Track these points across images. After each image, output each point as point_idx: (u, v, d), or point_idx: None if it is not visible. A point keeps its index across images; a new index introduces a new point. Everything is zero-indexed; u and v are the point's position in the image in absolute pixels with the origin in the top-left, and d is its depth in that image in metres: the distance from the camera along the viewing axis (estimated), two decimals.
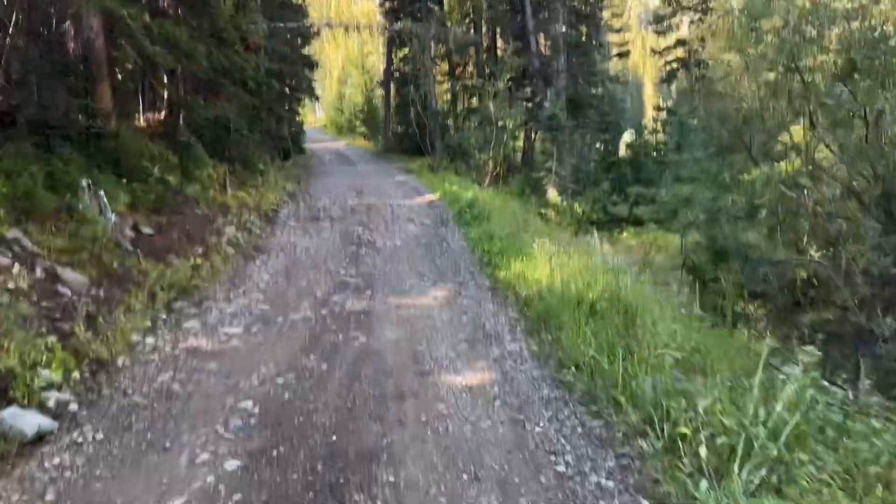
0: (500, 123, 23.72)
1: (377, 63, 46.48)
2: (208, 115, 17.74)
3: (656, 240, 21.81)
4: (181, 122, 18.22)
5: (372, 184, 23.22)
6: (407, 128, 34.79)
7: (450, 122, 33.80)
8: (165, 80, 19.97)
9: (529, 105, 24.10)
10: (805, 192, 8.04)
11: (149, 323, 7.47)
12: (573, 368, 5.61)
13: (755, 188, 9.02)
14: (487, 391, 5.47)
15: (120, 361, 6.33)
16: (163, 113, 19.16)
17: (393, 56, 35.04)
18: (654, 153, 23.75)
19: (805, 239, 9.38)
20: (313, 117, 66.07)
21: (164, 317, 7.85)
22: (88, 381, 5.81)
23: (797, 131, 8.43)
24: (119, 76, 15.79)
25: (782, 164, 9.76)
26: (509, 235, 11.96)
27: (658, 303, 6.52)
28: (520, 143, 28.76)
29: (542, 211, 20.87)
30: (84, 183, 10.61)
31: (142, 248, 10.65)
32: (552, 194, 22.07)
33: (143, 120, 18.78)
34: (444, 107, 33.72)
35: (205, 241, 11.94)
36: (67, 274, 8.36)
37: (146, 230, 11.49)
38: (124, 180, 12.24)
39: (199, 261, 10.59)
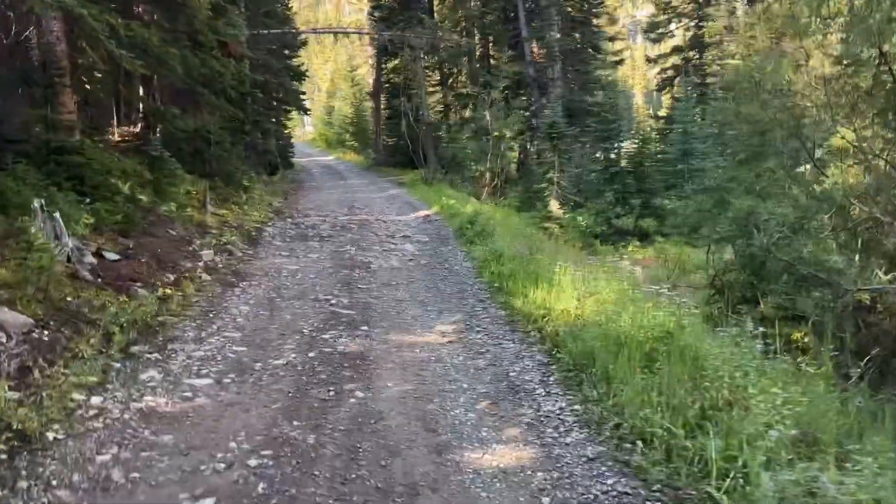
0: (497, 133, 22.45)
1: (367, 75, 45.24)
2: (187, 127, 16.38)
3: (666, 254, 20.56)
4: (157, 134, 16.85)
5: (364, 198, 21.86)
6: (398, 140, 33.52)
7: (442, 133, 32.55)
8: (141, 91, 18.60)
9: (526, 114, 22.83)
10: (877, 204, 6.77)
11: (97, 376, 6.04)
12: (640, 444, 4.23)
13: (811, 199, 7.74)
14: (528, 478, 4.08)
15: (51, 434, 4.91)
16: (139, 125, 17.75)
17: (383, 66, 33.77)
18: (655, 163, 22.49)
19: (860, 258, 8.05)
20: (302, 131, 64.77)
21: (118, 365, 6.42)
22: (2, 468, 4.39)
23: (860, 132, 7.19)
24: (87, 85, 14.39)
25: (834, 169, 8.45)
26: (519, 255, 10.60)
27: (725, 345, 5.16)
28: (515, 153, 27.50)
29: (545, 225, 19.55)
30: (36, 204, 9.17)
31: (103, 276, 9.23)
32: (554, 207, 20.79)
33: (118, 133, 17.36)
34: (437, 118, 32.45)
35: (178, 267, 10.52)
36: (4, 314, 6.92)
37: (110, 255, 10.05)
38: (87, 199, 10.81)
39: (168, 291, 9.17)
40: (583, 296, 7.26)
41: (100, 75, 14.56)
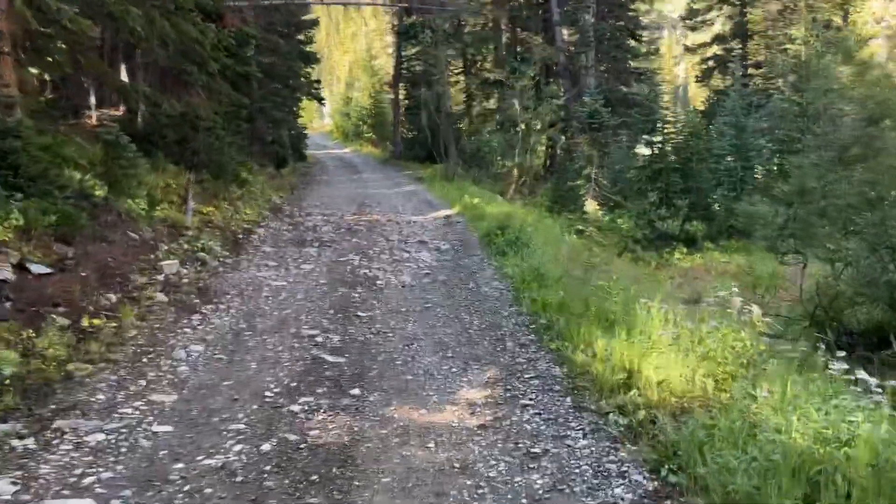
0: (527, 124, 19.83)
1: (386, 65, 42.68)
2: (171, 111, 13.95)
3: (717, 264, 17.86)
4: (140, 119, 14.44)
5: (377, 195, 19.33)
6: (417, 133, 31.02)
7: (464, 125, 29.95)
8: (124, 69, 16.21)
9: (558, 103, 20.24)
10: None
11: None
12: None
13: None
14: None
15: None
16: (120, 108, 15.37)
17: (403, 54, 31.19)
18: (701, 160, 19.73)
19: None
20: (320, 123, 62.42)
21: None
22: None
23: None
24: (49, 57, 11.96)
25: None
26: (567, 275, 8.04)
27: None
28: (543, 148, 24.81)
29: (580, 227, 16.92)
30: None
31: (15, 299, 6.81)
32: (591, 207, 18.16)
33: (96, 116, 14.98)
34: (459, 109, 29.85)
35: (127, 284, 8.06)
36: None
37: (37, 269, 7.59)
38: (19, 194, 8.38)
39: (98, 321, 6.72)
40: (687, 350, 4.67)
41: (65, 46, 12.12)
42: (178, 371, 5.69)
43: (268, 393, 5.19)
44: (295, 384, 5.36)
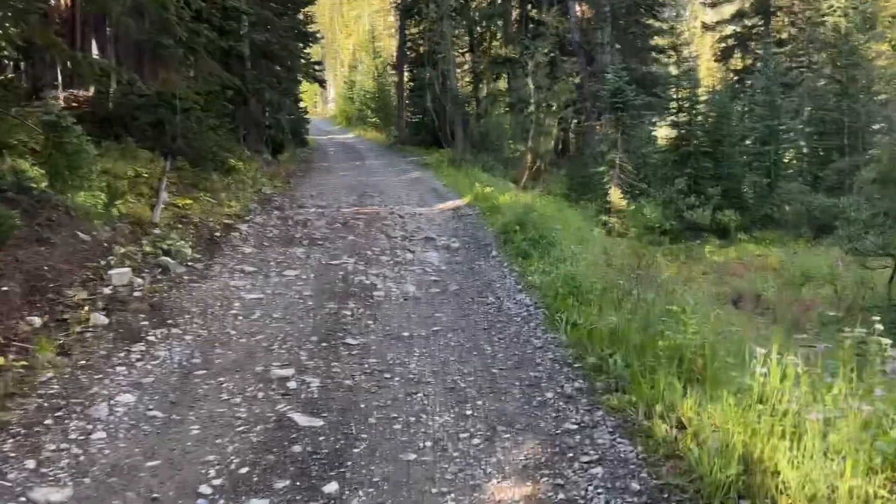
0: (541, 105, 18.00)
1: (390, 46, 40.74)
2: (144, 90, 12.25)
3: (753, 258, 16.17)
4: (110, 100, 12.73)
5: (379, 183, 17.60)
6: (423, 116, 29.20)
7: (472, 108, 28.11)
8: (95, 45, 14.46)
9: (575, 82, 18.33)
10: None
11: None
12: None
13: None
14: None
15: None
16: (91, 89, 13.62)
17: (407, 32, 29.27)
18: (731, 144, 17.88)
19: None
20: (324, 108, 60.55)
21: None
22: None
23: None
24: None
25: None
26: (612, 286, 6.32)
27: None
28: (555, 131, 22.91)
29: (602, 218, 15.17)
30: None
31: None
32: (615, 196, 16.41)
33: (62, 97, 13.24)
34: (466, 91, 27.97)
35: (60, 301, 6.37)
36: None
37: None
38: None
39: (2, 359, 5.03)
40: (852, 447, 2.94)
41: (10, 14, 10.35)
42: (89, 441, 4.00)
43: (204, 488, 3.49)
44: (246, 470, 3.67)
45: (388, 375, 5.05)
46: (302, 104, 35.52)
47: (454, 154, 21.62)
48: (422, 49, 26.92)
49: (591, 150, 18.47)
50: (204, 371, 5.12)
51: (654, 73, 22.06)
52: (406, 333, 6.02)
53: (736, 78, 29.66)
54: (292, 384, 4.85)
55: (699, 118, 17.33)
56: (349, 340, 5.84)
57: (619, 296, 5.93)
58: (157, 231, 9.13)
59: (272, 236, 10.17)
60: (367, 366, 5.25)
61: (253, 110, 20.84)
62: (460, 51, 27.21)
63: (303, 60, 28.56)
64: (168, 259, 8.04)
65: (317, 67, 31.08)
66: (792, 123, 18.05)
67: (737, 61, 32.02)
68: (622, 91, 16.48)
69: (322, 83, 31.76)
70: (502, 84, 27.36)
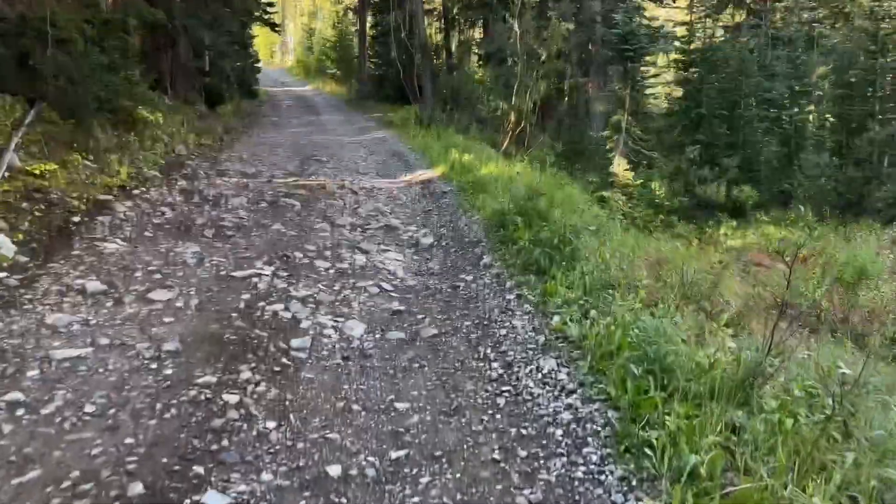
0: (529, 54, 14.74)
1: None
2: (4, 13, 8.75)
3: (773, 242, 13.41)
4: None
5: (332, 144, 14.31)
6: (387, 68, 25.63)
7: (442, 61, 24.62)
8: None
9: (569, 27, 15.10)
10: None
11: None
12: None
13: None
14: None
15: None
16: None
17: None
18: (744, 104, 14.91)
19: None
20: (283, 59, 55.97)
21: None
22: None
23: None
24: None
25: None
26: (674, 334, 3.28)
27: None
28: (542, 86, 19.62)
29: (604, 194, 12.16)
30: None
31: None
32: (619, 166, 13.33)
33: None
34: (437, 40, 24.45)
35: None
36: None
37: None
38: None
39: None
40: None
41: None
42: None
43: None
44: None
45: None
46: (256, 53, 31.64)
47: (422, 112, 18.29)
48: None
49: (583, 110, 15.34)
50: None
51: (649, 25, 18.79)
52: (335, 470, 2.92)
53: (728, 36, 26.53)
54: None
55: (712, 75, 14.24)
56: (234, 468, 2.74)
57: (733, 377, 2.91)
58: None
59: (161, 223, 6.87)
60: None
61: (182, 52, 17.15)
62: None
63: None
64: None
65: (269, 9, 27.19)
66: (819, 83, 15.11)
67: (727, 19, 29.01)
68: (634, 36, 13.22)
69: (273, 27, 27.87)
70: (477, 34, 23.89)
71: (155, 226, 6.76)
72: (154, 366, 3.80)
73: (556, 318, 4.32)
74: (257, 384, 3.66)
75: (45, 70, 8.78)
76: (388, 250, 6.45)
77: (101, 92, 9.61)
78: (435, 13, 25.95)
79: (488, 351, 4.06)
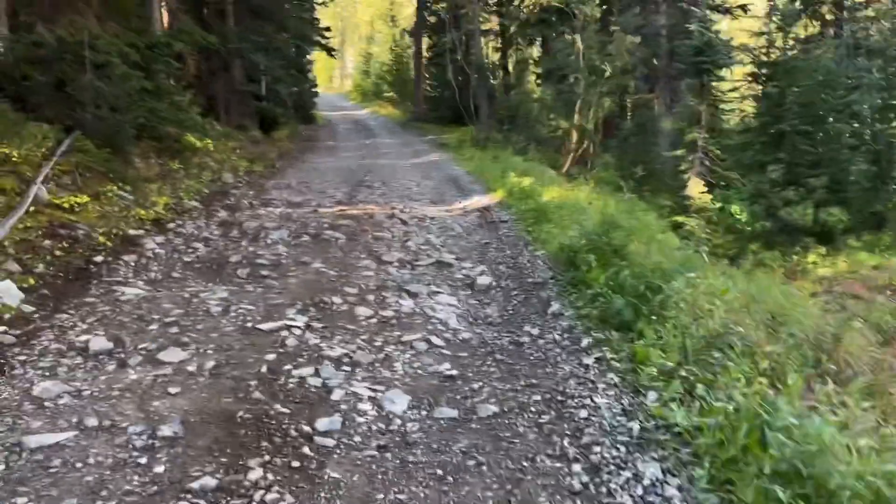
0: (592, 69, 13.76)
1: (409, 15, 36.38)
2: (44, 38, 8.37)
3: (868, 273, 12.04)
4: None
5: (385, 168, 13.62)
6: (443, 90, 25.11)
7: (498, 80, 23.82)
8: None
9: (635, 40, 14.02)
10: None
11: None
12: None
13: None
14: None
15: None
16: None
17: None
18: (832, 118, 13.52)
19: None
20: (341, 83, 56.35)
21: None
22: None
23: None
24: None
25: None
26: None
27: None
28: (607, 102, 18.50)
29: (678, 219, 11.03)
30: None
31: None
32: (695, 188, 12.17)
33: None
34: (493, 59, 23.68)
35: None
36: None
37: None
38: None
39: None
40: None
41: None
42: None
43: None
44: None
45: None
46: (314, 78, 31.57)
47: (478, 133, 17.50)
48: (442, 6, 22.65)
49: (651, 127, 14.24)
50: None
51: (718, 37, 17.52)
52: None
53: (804, 48, 24.88)
54: None
55: (794, 88, 12.96)
56: None
57: None
58: None
59: (191, 261, 6.18)
60: None
61: (237, 77, 16.84)
62: (486, 11, 22.79)
63: (309, 24, 24.55)
64: None
65: (325, 34, 26.99)
66: None
67: (800, 30, 27.32)
68: (712, 47, 12.07)
69: (330, 51, 27.65)
70: (535, 52, 23.02)
71: (185, 265, 6.06)
72: (143, 459, 3.00)
73: (653, 397, 3.35)
74: (268, 488, 2.82)
75: (81, 96, 8.32)
76: (440, 292, 5.58)
77: (142, 118, 9.12)
78: (491, 33, 25.24)
79: (566, 444, 3.11)
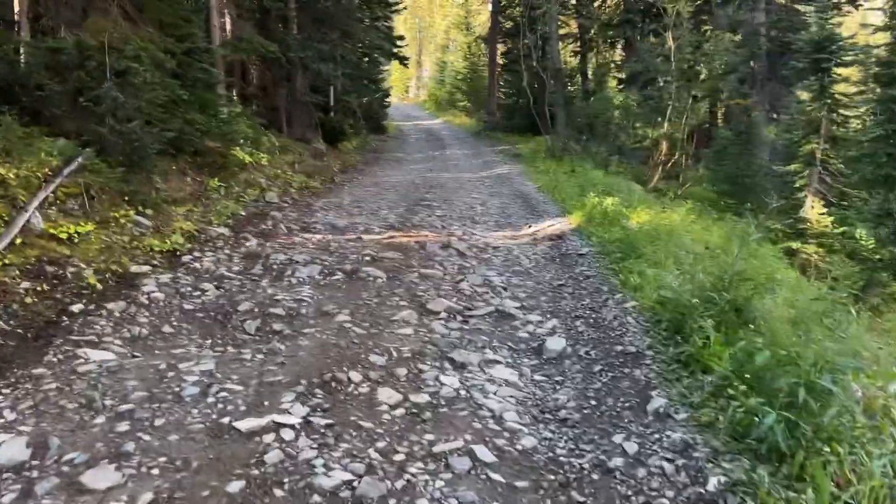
0: (685, 71, 11.96)
1: (484, 21, 35.00)
2: (62, 45, 7.47)
3: None
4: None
5: (449, 183, 12.24)
6: (517, 97, 23.60)
7: (576, 87, 22.08)
8: None
9: (735, 38, 12.06)
10: None
11: None
12: None
13: None
14: None
15: None
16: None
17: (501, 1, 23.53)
18: None
19: None
20: (416, 93, 55.57)
21: None
22: None
23: None
24: None
25: None
26: None
27: None
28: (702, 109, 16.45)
29: (790, 245, 9.14)
30: None
31: None
32: (812, 209, 10.22)
33: None
34: (571, 64, 21.99)
35: None
36: None
37: None
38: None
39: None
40: None
41: None
42: None
43: None
44: None
45: None
46: (387, 88, 30.67)
47: (554, 143, 15.89)
48: (518, 11, 21.16)
49: (751, 137, 12.26)
50: None
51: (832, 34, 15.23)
52: None
53: None
54: None
55: None
56: None
57: None
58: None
59: (193, 308, 4.93)
60: None
61: (299, 87, 15.85)
62: (564, 14, 21.09)
63: (381, 33, 23.50)
64: None
65: (398, 42, 25.90)
66: None
67: None
68: (833, 42, 10.03)
69: (402, 61, 26.51)
70: (617, 55, 21.19)
71: (183, 314, 4.83)
72: None
73: None
74: None
75: (97, 107, 7.29)
76: (497, 361, 4.12)
77: (174, 131, 8.03)
78: (570, 37, 23.53)
79: None
